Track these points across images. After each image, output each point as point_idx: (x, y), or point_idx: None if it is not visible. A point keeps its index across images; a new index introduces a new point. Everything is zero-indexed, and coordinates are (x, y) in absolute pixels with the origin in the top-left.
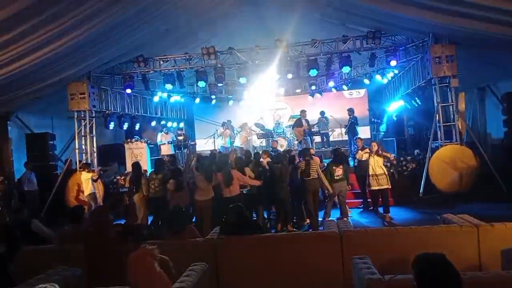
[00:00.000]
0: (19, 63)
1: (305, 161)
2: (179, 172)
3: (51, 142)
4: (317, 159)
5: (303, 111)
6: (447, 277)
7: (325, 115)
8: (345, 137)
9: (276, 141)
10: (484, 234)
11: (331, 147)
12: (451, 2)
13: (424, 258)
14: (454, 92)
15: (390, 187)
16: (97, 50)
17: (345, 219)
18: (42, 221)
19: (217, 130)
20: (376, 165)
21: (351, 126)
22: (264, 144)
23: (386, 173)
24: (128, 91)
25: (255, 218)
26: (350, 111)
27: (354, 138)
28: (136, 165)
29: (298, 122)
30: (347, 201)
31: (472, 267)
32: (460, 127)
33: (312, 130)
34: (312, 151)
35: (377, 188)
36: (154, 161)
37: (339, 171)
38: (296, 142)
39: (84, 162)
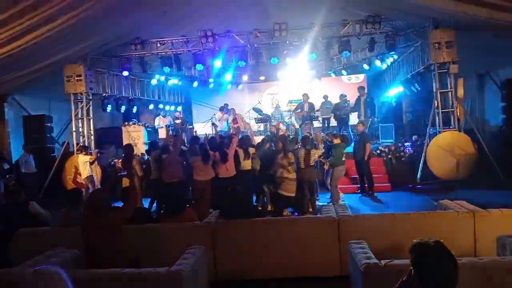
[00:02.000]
0: (15, 43)
1: (306, 150)
2: None
3: (48, 125)
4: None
5: (305, 95)
6: (444, 262)
7: (328, 100)
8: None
9: (274, 125)
10: (480, 220)
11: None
12: None
13: (421, 243)
14: (453, 78)
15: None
16: (94, 32)
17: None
18: (39, 203)
19: (214, 114)
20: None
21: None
22: (262, 128)
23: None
24: (125, 73)
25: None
26: (343, 96)
27: (357, 122)
28: (126, 147)
29: (299, 106)
30: (343, 186)
31: (467, 253)
32: (458, 114)
33: (312, 114)
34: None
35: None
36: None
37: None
38: (294, 126)
39: (81, 144)
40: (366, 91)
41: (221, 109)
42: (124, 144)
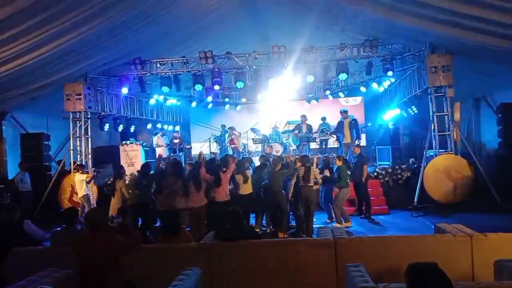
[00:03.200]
0: (15, 62)
1: (305, 168)
2: None
3: (46, 143)
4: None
5: (303, 116)
6: (439, 286)
7: (326, 121)
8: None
9: (271, 146)
10: (477, 244)
11: (326, 154)
12: (449, 12)
13: (416, 266)
14: (449, 101)
15: None
16: (94, 52)
17: (338, 225)
18: (34, 221)
19: (212, 134)
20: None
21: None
22: (259, 149)
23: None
24: (125, 90)
25: (252, 224)
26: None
27: (353, 145)
28: (116, 169)
29: (297, 127)
30: None
31: (465, 277)
32: (455, 137)
33: (309, 136)
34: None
35: None
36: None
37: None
38: (291, 148)
39: (78, 163)
40: (348, 114)
41: (233, 129)
42: (123, 163)
